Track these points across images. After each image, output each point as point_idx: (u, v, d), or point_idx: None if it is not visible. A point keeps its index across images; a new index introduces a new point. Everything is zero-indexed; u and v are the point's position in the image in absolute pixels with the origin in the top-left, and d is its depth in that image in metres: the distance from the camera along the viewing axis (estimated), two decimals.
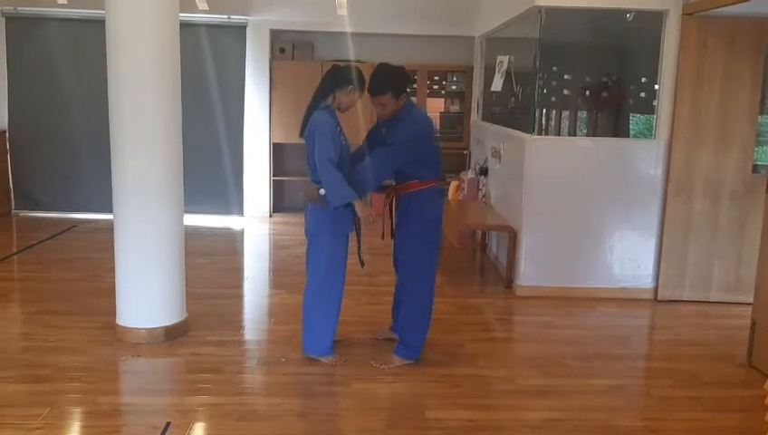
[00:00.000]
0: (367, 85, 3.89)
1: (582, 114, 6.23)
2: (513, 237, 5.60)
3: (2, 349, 4.17)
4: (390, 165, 3.92)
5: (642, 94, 5.79)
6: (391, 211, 4.17)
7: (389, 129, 3.94)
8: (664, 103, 5.34)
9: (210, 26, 7.89)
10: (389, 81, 3.85)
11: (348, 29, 7.86)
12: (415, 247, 4.02)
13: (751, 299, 4.75)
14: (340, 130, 3.89)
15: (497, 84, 6.61)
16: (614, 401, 3.73)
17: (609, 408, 3.63)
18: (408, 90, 3.97)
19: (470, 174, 7.58)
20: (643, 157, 5.41)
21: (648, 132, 5.63)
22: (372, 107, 3.95)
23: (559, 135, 6.11)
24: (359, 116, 4.22)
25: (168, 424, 3.29)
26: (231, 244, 7.46)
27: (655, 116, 5.43)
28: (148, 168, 4.19)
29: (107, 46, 4.14)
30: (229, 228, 7.96)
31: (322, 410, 3.54)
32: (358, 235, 4.04)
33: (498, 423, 3.42)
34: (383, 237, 4.16)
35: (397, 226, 4.09)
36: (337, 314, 4.03)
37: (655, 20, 5.31)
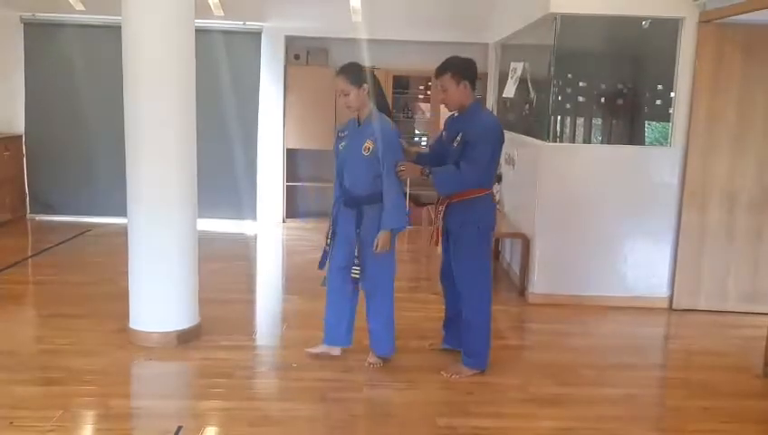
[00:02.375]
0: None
1: (597, 121, 6.20)
2: (526, 245, 5.58)
3: (16, 351, 4.19)
4: (483, 165, 3.85)
5: (658, 102, 5.75)
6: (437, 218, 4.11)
7: (458, 126, 3.93)
8: (680, 111, 5.31)
9: (225, 32, 7.93)
10: (449, 63, 3.93)
11: (362, 35, 7.87)
12: (470, 256, 3.96)
13: (767, 309, 4.72)
14: (343, 135, 3.96)
15: (510, 90, 6.58)
16: (627, 410, 3.69)
17: (622, 418, 3.60)
18: (473, 82, 3.94)
19: None
20: (658, 164, 5.38)
21: (663, 140, 5.59)
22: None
23: (573, 142, 6.07)
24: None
25: (179, 428, 3.29)
26: (244, 249, 7.48)
27: (671, 124, 5.40)
28: (162, 173, 4.22)
29: (123, 52, 4.17)
30: (243, 233, 7.98)
31: (334, 416, 3.53)
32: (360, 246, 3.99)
33: (510, 431, 3.40)
34: (436, 244, 4.13)
35: (449, 234, 4.03)
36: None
37: (671, 27, 5.28)
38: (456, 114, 4.06)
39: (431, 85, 8.41)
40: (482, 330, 4.03)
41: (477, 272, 4.00)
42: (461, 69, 3.91)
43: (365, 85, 3.85)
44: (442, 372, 4.01)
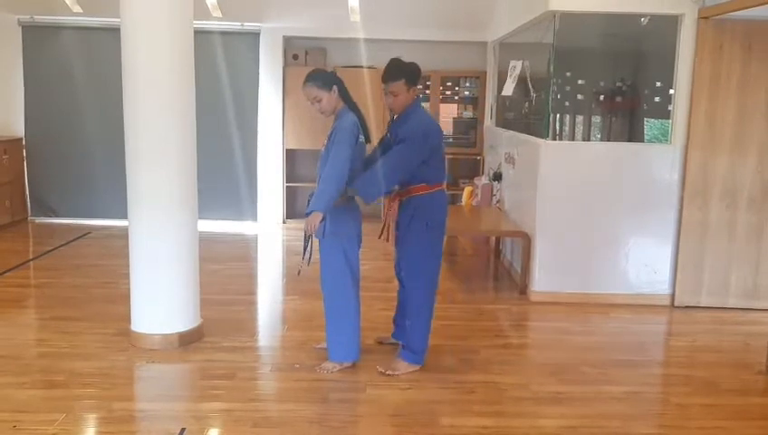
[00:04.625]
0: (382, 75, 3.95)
1: (597, 119, 6.21)
2: (527, 243, 5.57)
3: (18, 355, 4.19)
4: (403, 165, 3.86)
5: (657, 99, 5.75)
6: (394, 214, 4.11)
7: (397, 127, 3.95)
8: (680, 108, 5.30)
9: (224, 33, 7.93)
10: (403, 69, 3.90)
11: (360, 35, 7.87)
12: (417, 251, 3.99)
13: None
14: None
15: (509, 89, 6.58)
16: (630, 408, 3.69)
17: (625, 415, 3.59)
18: (420, 86, 3.97)
19: (484, 180, 7.55)
20: (659, 162, 5.37)
21: (662, 137, 5.59)
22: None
23: (573, 140, 6.07)
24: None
25: (182, 430, 3.29)
26: (245, 250, 7.48)
27: (670, 121, 5.39)
28: (162, 175, 4.21)
29: (122, 54, 4.16)
30: (243, 234, 7.98)
31: (337, 416, 3.53)
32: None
33: (513, 431, 3.40)
34: (381, 237, 4.12)
35: (398, 229, 4.06)
36: None
37: (670, 24, 5.27)
38: (395, 117, 4.04)
39: (429, 84, 8.41)
40: (423, 327, 4.04)
41: (424, 269, 4.00)
42: (414, 75, 3.92)
43: (334, 87, 3.86)
44: (378, 367, 4.00)
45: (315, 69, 4.04)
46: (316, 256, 3.99)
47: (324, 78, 3.87)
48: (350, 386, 3.85)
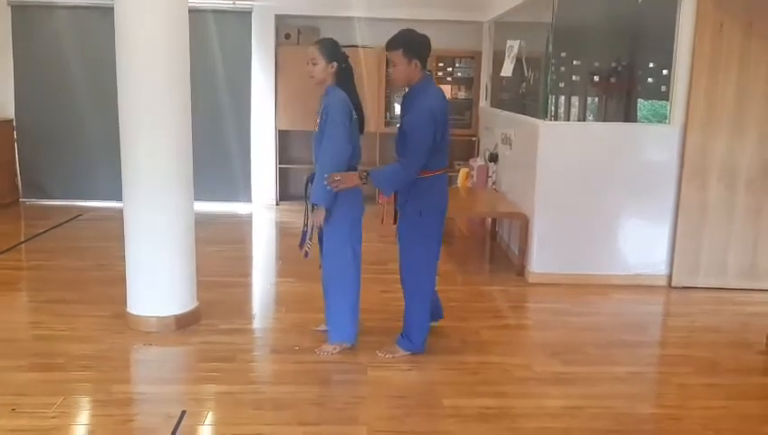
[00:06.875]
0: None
1: (596, 99, 6.15)
2: (524, 224, 5.54)
3: (14, 338, 4.14)
4: (417, 163, 3.69)
5: (649, 79, 5.70)
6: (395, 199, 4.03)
7: (404, 108, 3.86)
8: (679, 87, 5.26)
9: (215, 12, 7.82)
10: (403, 39, 3.71)
11: (354, 14, 7.77)
12: (413, 237, 3.87)
13: (767, 286, 4.69)
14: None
15: (508, 69, 6.53)
16: (633, 388, 3.69)
17: (628, 395, 3.59)
18: (424, 61, 3.76)
19: (479, 161, 7.51)
20: (658, 142, 5.35)
21: (652, 117, 5.56)
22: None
23: (572, 121, 6.03)
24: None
25: (183, 413, 3.25)
26: (239, 232, 7.42)
27: (669, 101, 5.35)
28: (158, 155, 4.14)
29: (116, 33, 4.08)
30: (237, 216, 7.92)
31: (339, 398, 3.51)
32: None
33: (517, 411, 3.38)
34: (383, 222, 4.08)
35: (398, 214, 3.96)
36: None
37: (669, 2, 5.22)
38: (406, 90, 3.91)
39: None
40: (420, 315, 3.94)
41: (419, 257, 3.87)
42: (415, 46, 3.71)
43: (334, 63, 3.78)
44: (377, 352, 3.95)
45: (331, 38, 3.96)
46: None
47: (332, 49, 3.81)
48: (350, 368, 3.82)
